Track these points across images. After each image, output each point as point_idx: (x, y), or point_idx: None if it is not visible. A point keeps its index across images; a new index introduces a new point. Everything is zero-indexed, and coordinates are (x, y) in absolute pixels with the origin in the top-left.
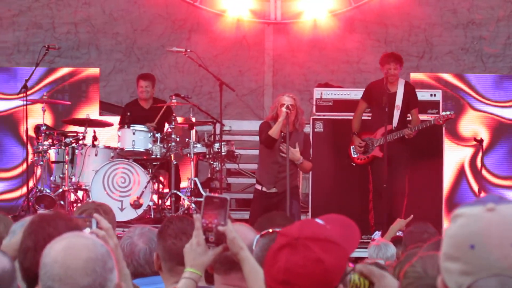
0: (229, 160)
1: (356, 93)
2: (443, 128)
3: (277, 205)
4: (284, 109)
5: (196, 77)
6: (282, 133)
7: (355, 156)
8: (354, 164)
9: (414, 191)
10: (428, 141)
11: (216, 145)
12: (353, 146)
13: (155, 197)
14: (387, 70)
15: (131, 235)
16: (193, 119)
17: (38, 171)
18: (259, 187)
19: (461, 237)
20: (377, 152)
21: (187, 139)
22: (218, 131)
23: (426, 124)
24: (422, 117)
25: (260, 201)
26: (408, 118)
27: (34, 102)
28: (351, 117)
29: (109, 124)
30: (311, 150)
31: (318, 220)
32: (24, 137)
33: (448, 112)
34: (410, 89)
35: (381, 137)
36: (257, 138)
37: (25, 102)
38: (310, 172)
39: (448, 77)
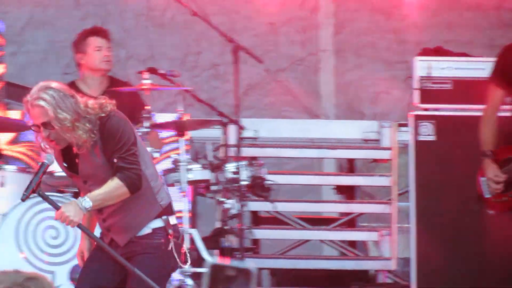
0: (256, 195)
1: None
2: None
3: None
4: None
5: (189, 36)
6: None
7: (489, 196)
8: (492, 212)
9: None
10: None
11: (230, 167)
12: (485, 178)
13: None
14: None
15: None
16: (185, 118)
17: None
18: None
19: None
20: None
21: (173, 156)
22: (233, 140)
23: None
24: None
25: None
26: None
27: None
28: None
29: (22, 126)
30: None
31: None
32: None
33: None
34: None
35: None
36: (309, 153)
37: None
38: (412, 228)
39: None
